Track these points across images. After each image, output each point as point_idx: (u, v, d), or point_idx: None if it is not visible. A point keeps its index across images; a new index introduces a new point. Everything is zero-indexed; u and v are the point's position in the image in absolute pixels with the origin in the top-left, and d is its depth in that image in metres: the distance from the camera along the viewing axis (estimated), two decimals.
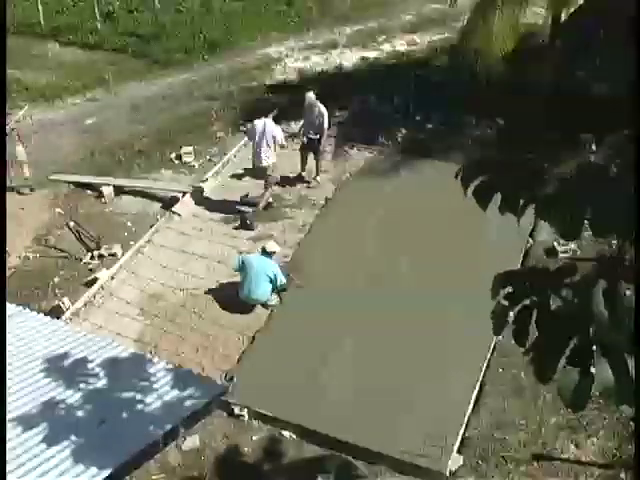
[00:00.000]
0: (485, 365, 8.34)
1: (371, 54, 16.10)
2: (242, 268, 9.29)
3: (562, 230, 3.13)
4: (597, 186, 3.05)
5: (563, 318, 3.19)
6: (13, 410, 6.48)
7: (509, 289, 3.41)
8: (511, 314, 3.41)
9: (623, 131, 3.20)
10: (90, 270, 10.00)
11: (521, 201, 3.25)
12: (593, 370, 3.07)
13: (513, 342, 3.43)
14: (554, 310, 3.26)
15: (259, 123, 10.84)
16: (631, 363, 3.02)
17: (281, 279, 9.22)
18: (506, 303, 3.39)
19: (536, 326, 3.29)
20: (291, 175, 11.81)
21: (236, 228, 10.74)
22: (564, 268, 3.38)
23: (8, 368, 6.87)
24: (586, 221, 3.06)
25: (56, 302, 9.25)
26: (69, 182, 11.83)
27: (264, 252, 9.35)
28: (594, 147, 3.43)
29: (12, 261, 10.00)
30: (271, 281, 9.14)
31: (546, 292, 3.30)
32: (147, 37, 16.88)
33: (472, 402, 7.93)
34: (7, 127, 11.37)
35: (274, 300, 9.33)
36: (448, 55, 14.61)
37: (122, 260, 10.09)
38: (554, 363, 3.15)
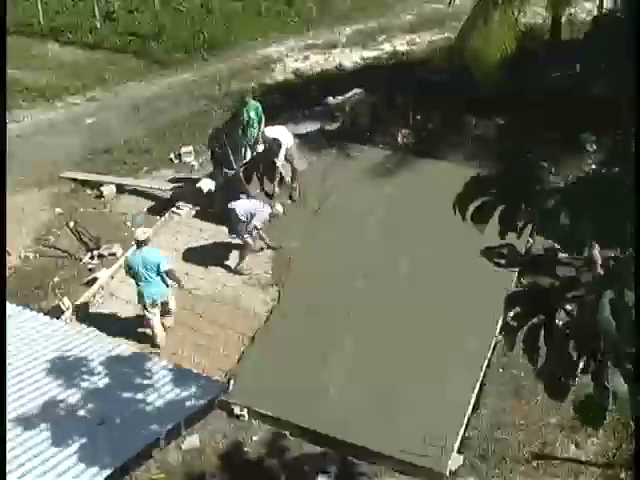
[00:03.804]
0: (485, 365, 8.34)
1: (371, 54, 16.07)
2: (130, 271, 8.43)
3: (565, 245, 3.08)
4: (595, 196, 3.00)
5: (572, 334, 3.12)
6: (13, 410, 6.48)
7: (517, 309, 3.36)
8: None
9: (623, 131, 3.17)
10: (90, 270, 9.99)
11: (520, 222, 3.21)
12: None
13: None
14: (561, 327, 3.20)
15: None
16: None
17: (163, 266, 8.22)
18: (514, 323, 3.34)
19: (545, 345, 3.22)
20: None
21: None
22: (565, 283, 3.33)
23: (8, 368, 6.87)
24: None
25: (56, 302, 9.25)
26: (79, 180, 11.86)
27: (138, 244, 8.36)
28: (594, 147, 3.41)
29: (12, 261, 10.00)
30: (158, 272, 8.19)
31: (553, 309, 3.24)
32: (147, 37, 16.85)
33: (472, 402, 7.94)
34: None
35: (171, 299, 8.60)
36: (448, 55, 14.60)
37: (122, 260, 10.08)
38: (567, 381, 3.06)
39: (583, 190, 3.06)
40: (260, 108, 11.41)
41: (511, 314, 3.39)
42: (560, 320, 3.27)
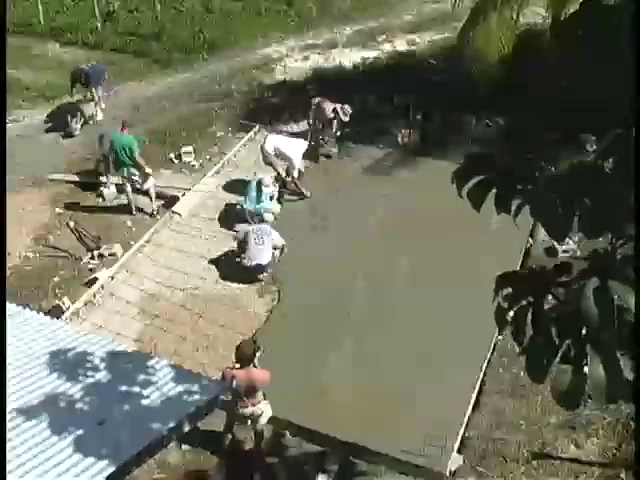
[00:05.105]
0: (485, 365, 8.35)
1: (371, 54, 16.08)
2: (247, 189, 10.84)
3: (549, 230, 3.12)
4: (586, 185, 3.03)
5: (557, 317, 3.19)
6: (13, 410, 6.48)
7: (508, 290, 3.42)
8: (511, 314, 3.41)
9: (621, 129, 3.18)
10: (90, 270, 10.00)
11: (516, 201, 3.24)
12: (586, 369, 3.06)
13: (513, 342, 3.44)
14: (548, 309, 3.27)
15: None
16: (623, 361, 3.01)
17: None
18: (505, 304, 3.40)
19: (532, 326, 3.29)
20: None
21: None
22: (560, 267, 3.39)
23: (8, 368, 6.85)
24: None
25: (56, 302, 9.25)
26: (67, 181, 11.84)
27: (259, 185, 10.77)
28: (594, 147, 3.42)
29: (12, 261, 9.99)
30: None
31: (542, 292, 3.30)
32: (147, 37, 16.85)
33: (472, 402, 7.94)
34: None
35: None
36: (448, 55, 14.59)
37: (122, 260, 10.09)
38: (548, 363, 3.14)
39: (574, 179, 3.08)
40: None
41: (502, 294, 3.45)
42: (548, 303, 3.32)
